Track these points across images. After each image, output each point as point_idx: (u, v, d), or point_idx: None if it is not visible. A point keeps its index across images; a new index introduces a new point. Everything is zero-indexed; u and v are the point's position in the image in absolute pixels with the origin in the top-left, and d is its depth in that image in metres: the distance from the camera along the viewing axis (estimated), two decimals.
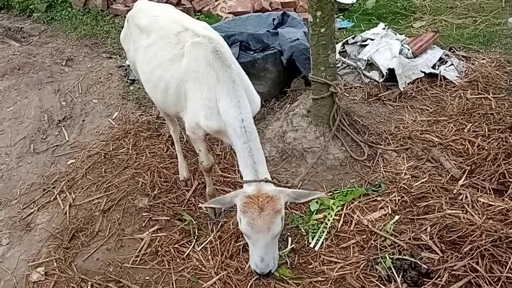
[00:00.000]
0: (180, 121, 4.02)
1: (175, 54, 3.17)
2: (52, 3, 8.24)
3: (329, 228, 3.31)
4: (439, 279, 2.83)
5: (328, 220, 3.35)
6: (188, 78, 3.06)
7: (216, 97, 2.95)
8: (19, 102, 5.50)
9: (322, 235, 3.25)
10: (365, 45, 5.41)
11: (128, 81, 5.67)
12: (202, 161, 3.39)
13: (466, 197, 3.40)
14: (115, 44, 6.68)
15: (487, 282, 2.76)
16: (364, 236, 3.22)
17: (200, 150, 3.33)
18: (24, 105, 5.41)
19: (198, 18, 7.24)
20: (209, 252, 3.25)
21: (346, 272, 2.98)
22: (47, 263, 3.36)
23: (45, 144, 4.77)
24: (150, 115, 4.94)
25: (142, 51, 3.46)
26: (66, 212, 3.79)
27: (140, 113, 5.02)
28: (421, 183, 3.62)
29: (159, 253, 3.30)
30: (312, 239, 3.24)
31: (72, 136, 4.87)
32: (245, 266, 3.10)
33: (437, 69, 5.06)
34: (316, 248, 3.18)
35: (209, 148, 4.25)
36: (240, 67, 3.24)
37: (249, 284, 2.99)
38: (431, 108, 4.58)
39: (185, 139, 4.41)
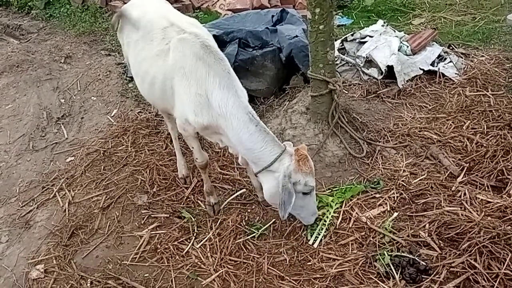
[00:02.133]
0: None
1: (160, 50, 3.18)
2: (51, 0, 8.22)
3: (328, 225, 3.31)
4: (437, 276, 2.85)
5: (327, 217, 3.36)
6: (175, 75, 3.06)
7: (206, 91, 2.93)
8: (17, 99, 5.50)
9: (321, 232, 3.26)
10: (364, 42, 5.40)
11: (127, 78, 5.66)
12: (197, 158, 3.39)
13: (465, 194, 3.41)
14: (113, 41, 6.67)
15: (485, 279, 2.77)
16: (363, 233, 3.23)
17: (193, 147, 3.35)
18: (23, 103, 5.40)
19: (196, 15, 7.25)
20: (208, 249, 3.26)
21: (344, 269, 2.99)
22: (46, 260, 3.36)
23: (44, 142, 4.77)
24: (149, 113, 4.93)
25: (132, 45, 3.48)
26: (65, 210, 3.79)
27: (139, 111, 5.02)
28: (420, 180, 3.63)
29: (158, 250, 3.31)
30: (311, 236, 3.24)
31: (71, 133, 4.87)
32: (246, 262, 3.11)
33: (436, 66, 5.06)
34: (315, 245, 3.19)
35: (208, 146, 4.25)
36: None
37: (248, 281, 3.00)
38: (430, 105, 4.58)
39: None
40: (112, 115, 5.06)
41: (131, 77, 5.61)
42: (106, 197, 3.86)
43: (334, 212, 3.40)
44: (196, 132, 3.20)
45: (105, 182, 4.03)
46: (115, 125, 4.84)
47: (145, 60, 3.29)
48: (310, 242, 3.21)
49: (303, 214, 3.14)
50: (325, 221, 3.33)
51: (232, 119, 2.86)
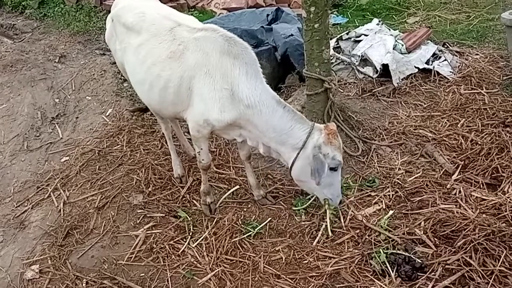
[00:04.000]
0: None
1: (172, 51, 3.08)
2: (45, 0, 8.17)
3: (330, 223, 3.29)
4: (433, 273, 2.85)
5: (327, 215, 3.32)
6: (195, 74, 2.99)
7: (232, 84, 2.92)
8: (12, 99, 5.46)
9: (327, 230, 3.24)
10: (359, 41, 5.41)
11: (122, 77, 5.63)
12: (203, 159, 3.35)
13: (460, 191, 3.42)
14: None
15: (480, 276, 2.78)
16: (359, 231, 3.24)
17: (201, 149, 3.29)
18: (17, 103, 5.36)
19: (192, 14, 7.23)
20: (204, 248, 3.25)
21: (340, 267, 2.99)
22: (41, 260, 3.35)
23: (39, 142, 4.74)
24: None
25: (133, 50, 3.32)
26: (60, 210, 3.77)
27: None
28: (415, 178, 3.64)
29: (154, 250, 3.30)
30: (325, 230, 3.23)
31: (65, 133, 4.84)
32: (242, 261, 3.11)
33: (431, 65, 5.08)
34: (330, 234, 3.19)
35: None
36: None
37: (244, 279, 3.00)
38: (425, 104, 4.59)
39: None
40: (107, 114, 5.03)
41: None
42: (101, 196, 3.84)
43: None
44: (210, 133, 3.14)
45: (100, 181, 4.01)
46: (110, 124, 4.81)
47: (154, 65, 3.14)
48: (331, 234, 3.20)
49: (330, 194, 3.16)
50: (325, 219, 3.31)
51: (261, 106, 2.90)
